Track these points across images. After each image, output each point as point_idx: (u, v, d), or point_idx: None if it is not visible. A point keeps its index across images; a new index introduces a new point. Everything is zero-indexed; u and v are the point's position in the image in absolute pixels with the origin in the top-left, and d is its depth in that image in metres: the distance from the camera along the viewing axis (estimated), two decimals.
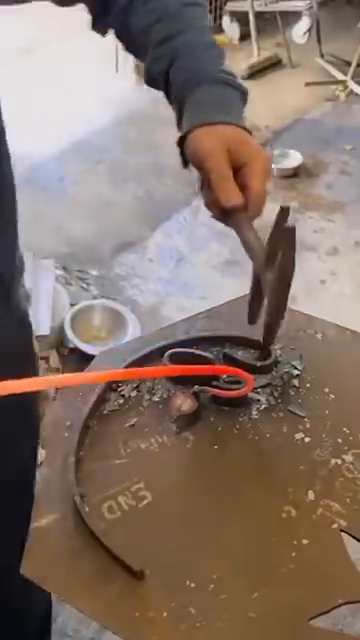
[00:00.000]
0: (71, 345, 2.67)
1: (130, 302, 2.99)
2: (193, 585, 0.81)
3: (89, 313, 2.81)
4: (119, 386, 1.04)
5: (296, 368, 1.07)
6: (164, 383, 1.04)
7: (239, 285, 2.63)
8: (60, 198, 3.54)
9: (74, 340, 2.65)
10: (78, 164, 3.72)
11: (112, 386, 1.03)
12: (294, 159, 3.85)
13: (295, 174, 3.79)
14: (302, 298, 2.96)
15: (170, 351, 1.03)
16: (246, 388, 1.00)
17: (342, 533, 0.85)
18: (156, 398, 1.02)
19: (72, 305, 2.80)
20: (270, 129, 4.23)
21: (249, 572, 0.82)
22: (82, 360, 2.58)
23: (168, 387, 1.03)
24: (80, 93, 4.40)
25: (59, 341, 2.70)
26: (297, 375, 1.06)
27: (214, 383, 1.00)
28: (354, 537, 0.85)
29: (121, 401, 1.02)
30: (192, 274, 3.18)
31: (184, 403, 1.00)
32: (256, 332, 1.09)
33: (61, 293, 2.81)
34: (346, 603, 0.80)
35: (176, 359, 1.03)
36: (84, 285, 3.07)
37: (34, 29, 5.19)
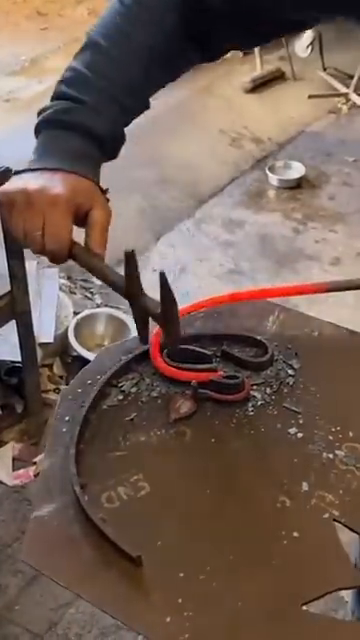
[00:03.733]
0: (74, 353, 2.69)
1: None
2: (186, 574, 0.83)
3: (93, 321, 2.84)
4: (119, 382, 1.06)
5: (292, 366, 1.09)
6: (163, 380, 1.06)
7: None
8: None
9: (78, 348, 2.68)
10: None
11: (112, 382, 1.06)
12: (297, 170, 3.88)
13: (298, 185, 3.83)
14: (304, 307, 2.98)
15: (169, 347, 1.06)
16: (243, 393, 1.03)
17: (335, 522, 0.88)
18: (155, 394, 1.05)
19: (76, 313, 2.82)
20: (273, 141, 4.27)
21: (243, 560, 0.84)
22: None
23: (167, 384, 1.06)
24: None
25: (63, 349, 2.72)
26: (292, 373, 1.08)
27: (212, 379, 1.03)
28: (346, 526, 0.87)
29: (120, 397, 1.05)
30: (195, 284, 3.21)
31: (183, 405, 1.03)
32: (254, 330, 1.12)
33: (65, 301, 2.83)
34: (338, 589, 0.82)
35: (175, 356, 1.06)
36: (88, 294, 3.10)
37: (40, 41, 5.26)
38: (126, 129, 1.06)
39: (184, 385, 1.04)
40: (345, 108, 4.59)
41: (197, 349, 1.08)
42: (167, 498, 0.91)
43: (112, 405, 1.04)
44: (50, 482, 0.93)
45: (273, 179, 3.83)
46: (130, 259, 0.93)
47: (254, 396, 1.04)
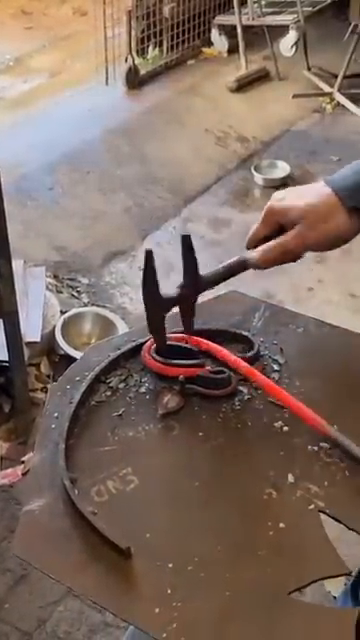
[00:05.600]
0: (62, 352, 2.70)
1: (120, 310, 3.03)
2: (174, 566, 0.84)
3: (80, 320, 2.85)
4: (107, 378, 1.08)
5: (277, 362, 1.11)
6: (150, 376, 1.08)
7: None
8: (50, 207, 3.58)
9: (65, 347, 2.69)
10: (68, 174, 3.76)
11: (100, 378, 1.07)
12: (282, 170, 3.91)
13: (283, 184, 3.85)
14: (290, 305, 3.00)
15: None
16: (229, 388, 1.05)
17: (320, 513, 0.89)
18: (143, 389, 1.06)
19: (63, 312, 2.83)
20: (258, 140, 4.29)
21: (230, 551, 0.86)
22: None
23: (154, 380, 1.07)
24: (70, 104, 4.46)
25: (50, 348, 2.73)
26: (278, 368, 1.10)
27: (199, 374, 1.04)
28: (331, 516, 0.89)
29: (109, 393, 1.06)
30: None
31: (171, 400, 1.04)
32: (240, 326, 1.14)
33: (52, 300, 2.84)
34: (323, 578, 0.84)
35: (162, 352, 1.07)
36: (75, 293, 3.11)
37: (25, 40, 5.26)
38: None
39: (172, 381, 1.06)
40: (329, 107, 4.62)
41: (184, 345, 1.09)
42: (155, 491, 0.93)
43: (101, 401, 1.05)
44: (40, 477, 0.94)
45: (258, 178, 3.86)
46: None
47: (240, 391, 1.06)
